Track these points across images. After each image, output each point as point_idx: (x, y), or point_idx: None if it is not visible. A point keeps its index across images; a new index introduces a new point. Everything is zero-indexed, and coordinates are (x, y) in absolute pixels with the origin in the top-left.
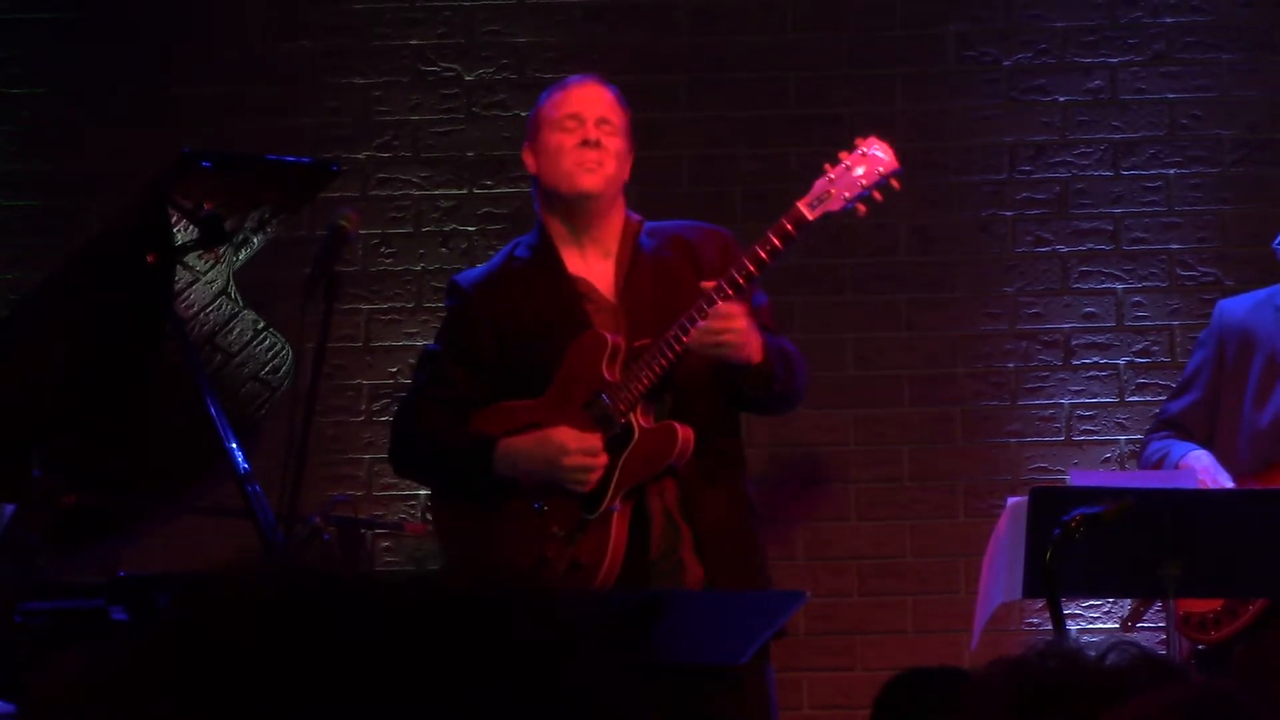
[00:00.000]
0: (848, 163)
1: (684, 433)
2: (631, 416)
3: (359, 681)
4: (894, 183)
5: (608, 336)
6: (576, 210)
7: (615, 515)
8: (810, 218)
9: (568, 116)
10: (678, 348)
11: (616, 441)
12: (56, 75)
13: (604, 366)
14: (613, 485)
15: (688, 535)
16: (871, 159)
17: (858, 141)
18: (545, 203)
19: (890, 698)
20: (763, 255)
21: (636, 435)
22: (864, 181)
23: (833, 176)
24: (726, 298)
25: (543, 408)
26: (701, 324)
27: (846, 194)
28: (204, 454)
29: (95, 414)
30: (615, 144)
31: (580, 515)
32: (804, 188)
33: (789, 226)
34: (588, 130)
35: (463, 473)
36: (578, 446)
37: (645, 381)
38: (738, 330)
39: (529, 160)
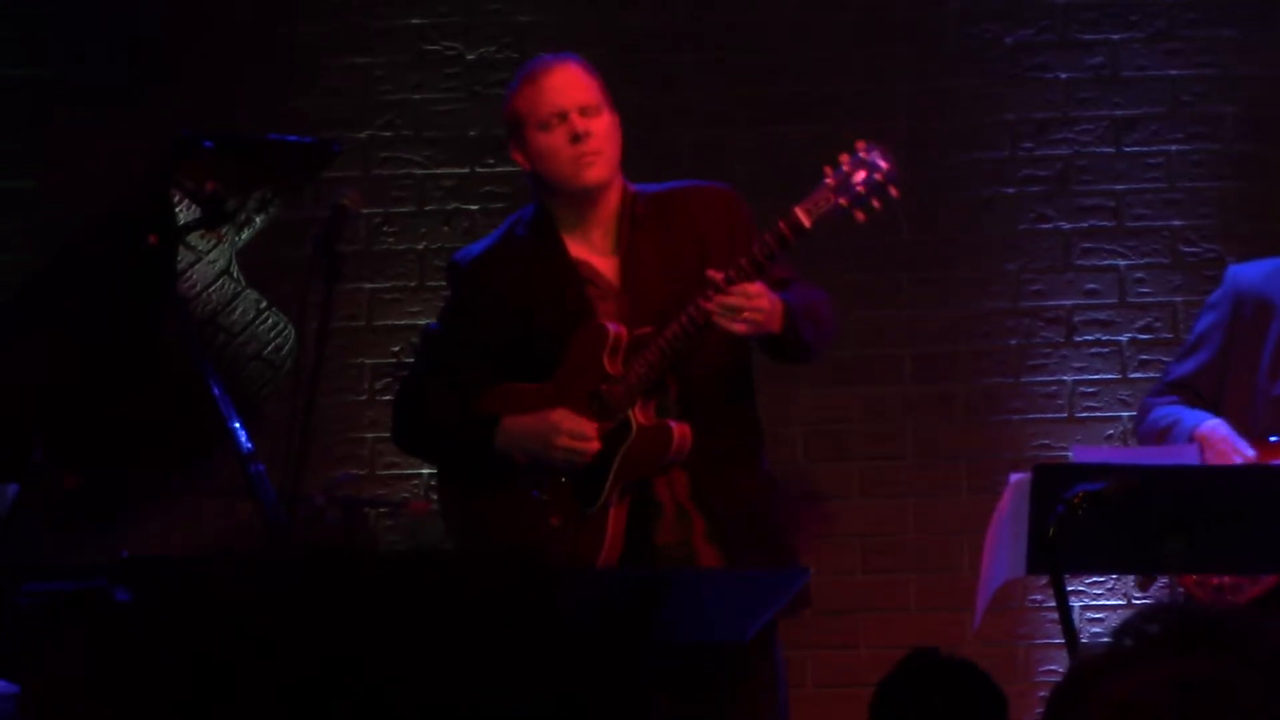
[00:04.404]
0: (846, 168)
1: (679, 431)
2: (631, 412)
3: (356, 657)
4: (893, 190)
5: (609, 327)
6: (583, 200)
7: (612, 510)
8: (807, 225)
9: (550, 115)
10: (678, 341)
11: (615, 435)
12: (55, 56)
13: (605, 358)
14: (609, 480)
15: (700, 524)
16: (870, 165)
17: (857, 145)
18: (546, 191)
19: (895, 683)
20: (760, 258)
21: (634, 432)
22: (861, 189)
23: (830, 182)
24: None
25: (547, 395)
26: (721, 300)
27: (843, 200)
28: (206, 434)
29: (96, 396)
30: (602, 123)
31: (578, 508)
32: (803, 171)
33: (786, 232)
34: (573, 124)
35: (466, 448)
36: (569, 428)
37: (644, 375)
38: (760, 309)
39: (520, 159)
